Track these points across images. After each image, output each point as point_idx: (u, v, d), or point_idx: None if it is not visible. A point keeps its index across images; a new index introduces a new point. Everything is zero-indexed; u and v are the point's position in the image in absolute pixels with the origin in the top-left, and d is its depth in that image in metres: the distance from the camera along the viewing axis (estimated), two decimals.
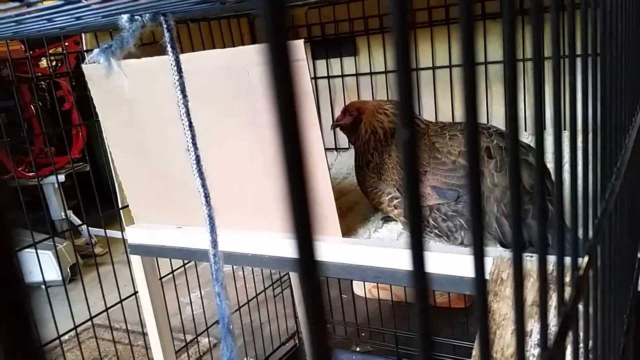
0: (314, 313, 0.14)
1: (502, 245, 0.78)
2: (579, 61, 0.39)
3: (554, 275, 0.40)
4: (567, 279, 0.39)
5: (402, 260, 0.82)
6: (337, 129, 1.02)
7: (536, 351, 0.62)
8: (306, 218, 0.14)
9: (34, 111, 2.49)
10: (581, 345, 0.44)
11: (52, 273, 2.15)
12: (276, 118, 0.13)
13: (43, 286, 1.15)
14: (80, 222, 2.54)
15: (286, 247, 0.91)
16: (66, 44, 1.27)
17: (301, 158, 0.13)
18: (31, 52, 1.28)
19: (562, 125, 0.35)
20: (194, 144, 0.83)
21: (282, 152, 0.13)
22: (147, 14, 0.80)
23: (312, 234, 0.14)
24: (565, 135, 0.37)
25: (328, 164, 0.81)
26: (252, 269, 1.74)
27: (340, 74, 1.38)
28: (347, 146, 1.31)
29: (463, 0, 0.20)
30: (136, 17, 0.80)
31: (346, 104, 1.01)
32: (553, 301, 0.41)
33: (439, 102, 1.26)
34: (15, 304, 0.11)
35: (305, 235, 0.14)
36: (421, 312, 0.18)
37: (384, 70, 1.32)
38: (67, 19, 0.75)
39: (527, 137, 1.08)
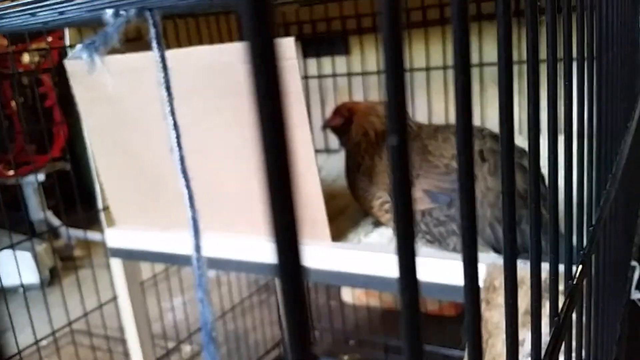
0: (295, 324, 0.13)
1: (495, 251, 0.76)
2: (574, 65, 0.38)
3: (547, 283, 0.39)
4: (561, 287, 0.39)
5: (393, 266, 0.80)
6: (328, 130, 1.01)
7: None
8: (290, 224, 0.13)
9: (14, 108, 2.44)
10: (574, 354, 0.43)
11: (30, 276, 2.10)
12: (257, 119, 0.12)
13: (21, 289, 1.12)
14: (59, 223, 2.49)
15: (272, 253, 0.89)
16: (50, 39, 1.24)
17: (285, 161, 0.13)
18: (14, 47, 1.25)
19: (557, 130, 0.34)
20: (179, 144, 0.80)
21: (263, 153, 0.12)
22: (133, 9, 0.78)
23: (297, 242, 0.13)
24: (559, 140, 0.36)
25: (318, 166, 0.80)
26: (237, 275, 1.71)
27: (331, 73, 1.36)
28: (338, 148, 1.29)
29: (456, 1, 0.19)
30: (121, 12, 0.78)
31: (337, 104, 1.00)
32: (546, 310, 0.40)
33: (432, 104, 1.25)
34: None
35: (287, 243, 0.13)
36: (410, 324, 0.16)
37: (376, 70, 1.30)
38: (51, 13, 0.74)
39: (521, 141, 1.07)
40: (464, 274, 0.21)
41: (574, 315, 0.41)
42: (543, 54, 0.31)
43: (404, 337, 0.17)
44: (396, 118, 0.15)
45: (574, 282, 0.40)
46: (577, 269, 0.42)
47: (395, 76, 0.15)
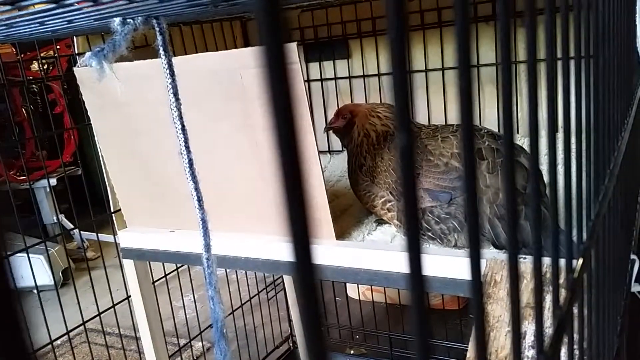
0: (310, 318, 0.15)
1: (495, 246, 0.78)
2: (571, 63, 0.39)
3: (548, 277, 0.40)
4: (561, 280, 0.40)
5: (396, 263, 0.82)
6: (330, 132, 1.02)
7: (530, 353, 0.62)
8: (303, 222, 0.14)
9: (25, 115, 2.48)
10: (576, 346, 0.44)
11: (44, 277, 2.14)
12: (272, 122, 0.13)
13: (35, 291, 1.14)
14: (72, 226, 2.52)
15: (280, 250, 0.90)
16: (58, 47, 1.27)
17: (298, 162, 0.14)
18: (22, 56, 1.27)
19: (555, 128, 0.35)
20: (187, 147, 0.83)
21: (279, 155, 0.13)
22: (140, 17, 0.80)
23: (309, 239, 0.14)
24: (558, 137, 0.37)
25: (321, 167, 0.81)
26: (246, 272, 1.73)
27: (333, 76, 1.38)
28: (340, 149, 1.31)
29: (458, 5, 0.20)
30: (128, 20, 0.80)
31: (339, 106, 1.01)
32: (546, 303, 0.41)
33: (431, 105, 1.27)
34: (5, 310, 0.11)
35: (302, 240, 0.14)
36: (419, 316, 0.18)
37: (376, 72, 1.32)
38: (59, 22, 0.74)
39: (519, 139, 1.09)
40: (471, 268, 0.22)
41: (575, 308, 0.42)
42: (537, 54, 0.32)
43: (413, 330, 0.18)
44: (403, 116, 0.16)
45: (575, 276, 0.41)
46: (577, 263, 0.42)
47: (401, 77, 0.16)
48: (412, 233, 0.17)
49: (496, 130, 0.87)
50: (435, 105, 1.27)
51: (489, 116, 1.17)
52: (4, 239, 0.11)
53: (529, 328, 0.65)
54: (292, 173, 0.14)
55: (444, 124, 1.18)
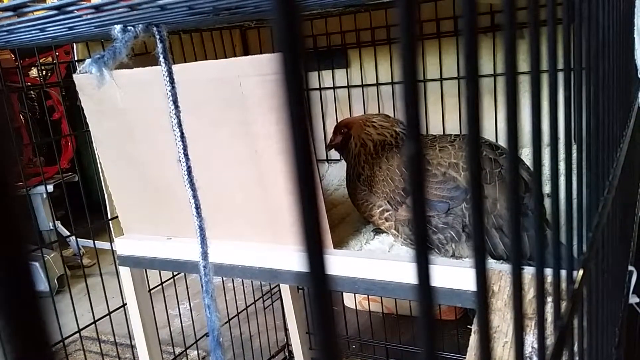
0: (324, 325, 0.15)
1: (492, 257, 0.78)
2: (570, 75, 0.39)
3: (547, 288, 0.40)
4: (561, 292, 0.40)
5: (394, 272, 0.82)
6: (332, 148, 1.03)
7: None
8: (317, 230, 0.14)
9: (23, 121, 2.48)
10: (576, 358, 0.44)
11: (40, 284, 2.13)
12: (287, 130, 0.13)
13: None
14: (68, 233, 2.51)
15: (277, 259, 0.90)
16: (57, 53, 1.27)
17: (312, 169, 0.14)
18: (21, 62, 1.28)
19: (557, 140, 0.35)
20: (186, 155, 0.83)
21: (293, 163, 0.13)
22: (140, 25, 0.80)
23: (322, 247, 0.14)
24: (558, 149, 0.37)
25: (320, 176, 0.81)
26: (242, 281, 1.73)
27: (332, 85, 1.38)
28: (339, 158, 1.32)
29: (466, 16, 0.20)
30: (129, 27, 0.80)
31: (337, 116, 1.02)
32: (545, 314, 0.41)
33: (430, 115, 1.27)
34: (30, 305, 0.11)
35: (316, 249, 0.14)
36: (427, 327, 0.18)
37: (375, 82, 1.33)
38: (60, 29, 0.75)
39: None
40: (476, 280, 0.22)
41: (575, 320, 0.42)
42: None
43: (422, 342, 0.18)
44: (413, 124, 0.17)
45: (576, 287, 0.41)
46: (578, 274, 0.42)
47: (411, 85, 0.16)
48: (420, 241, 0.17)
49: (494, 140, 0.88)
50: (433, 115, 1.27)
51: (486, 127, 1.17)
52: (26, 244, 0.12)
53: (526, 339, 0.64)
54: (305, 181, 0.14)
55: (442, 134, 1.19)
